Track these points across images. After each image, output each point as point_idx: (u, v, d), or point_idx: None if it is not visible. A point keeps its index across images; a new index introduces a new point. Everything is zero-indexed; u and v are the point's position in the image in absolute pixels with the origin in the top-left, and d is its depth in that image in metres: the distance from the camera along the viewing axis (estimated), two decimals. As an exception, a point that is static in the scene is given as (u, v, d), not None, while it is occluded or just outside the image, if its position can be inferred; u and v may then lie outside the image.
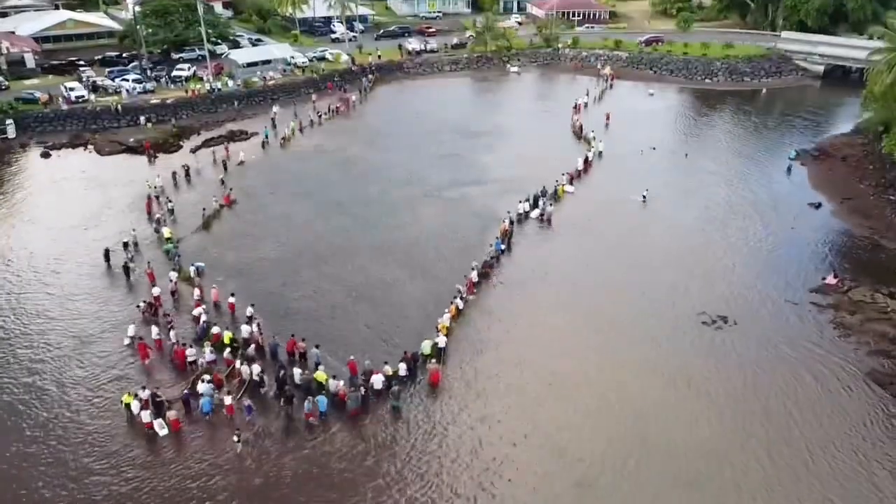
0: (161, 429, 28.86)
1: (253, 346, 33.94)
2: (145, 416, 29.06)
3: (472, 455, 28.33)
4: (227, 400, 30.00)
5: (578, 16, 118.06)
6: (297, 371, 31.71)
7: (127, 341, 34.78)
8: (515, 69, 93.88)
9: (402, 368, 31.96)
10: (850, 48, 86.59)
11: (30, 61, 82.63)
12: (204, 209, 49.09)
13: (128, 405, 29.66)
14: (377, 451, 28.46)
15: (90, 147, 63.54)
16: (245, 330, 34.57)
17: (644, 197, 51.84)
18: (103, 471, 27.28)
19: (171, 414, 29.18)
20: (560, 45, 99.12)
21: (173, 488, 26.49)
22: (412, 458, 28.19)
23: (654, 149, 62.29)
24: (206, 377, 31.17)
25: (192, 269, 40.39)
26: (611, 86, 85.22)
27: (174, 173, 55.37)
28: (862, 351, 35.19)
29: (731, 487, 26.91)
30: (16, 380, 32.52)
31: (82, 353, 34.37)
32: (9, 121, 65.26)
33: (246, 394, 31.03)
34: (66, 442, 28.78)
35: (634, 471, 27.67)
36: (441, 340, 33.85)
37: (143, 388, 30.26)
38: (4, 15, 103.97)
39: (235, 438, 28.19)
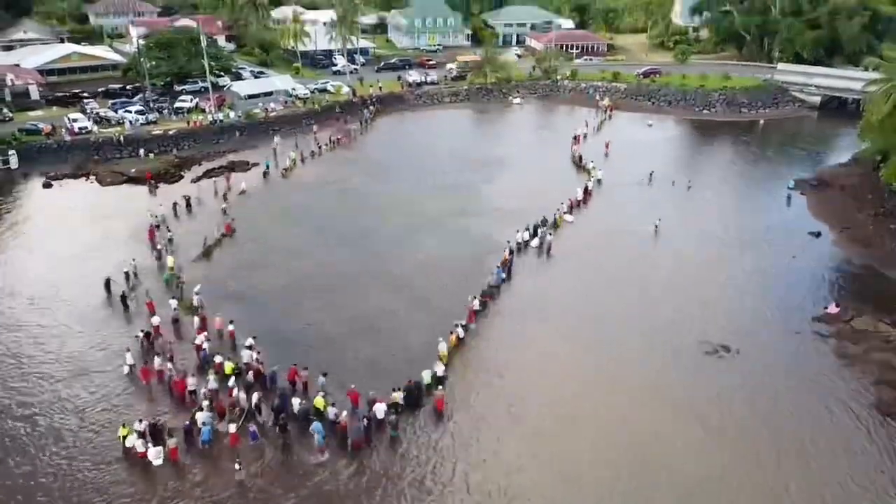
0: (156, 458, 28.37)
1: (252, 373, 33.72)
2: (139, 444, 28.67)
3: (475, 484, 27.91)
4: (231, 428, 29.73)
5: (577, 48, 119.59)
6: (295, 401, 31.39)
7: (126, 370, 34.54)
8: (518, 100, 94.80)
9: (401, 397, 31.70)
10: (846, 80, 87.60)
11: (34, 93, 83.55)
12: (205, 238, 49.11)
13: (124, 437, 29.23)
14: (378, 482, 28.05)
15: (92, 178, 63.78)
16: (246, 355, 34.47)
17: (657, 226, 51.83)
18: (98, 504, 26.86)
19: (171, 442, 28.81)
20: (559, 77, 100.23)
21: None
22: (415, 487, 27.79)
23: (650, 177, 62.50)
24: (206, 403, 30.89)
25: (195, 297, 40.27)
26: (609, 117, 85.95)
27: (175, 203, 55.48)
28: (867, 380, 34.88)
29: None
30: (9, 412, 32.13)
31: (79, 384, 34.00)
32: (11, 151, 65.66)
33: (246, 421, 30.69)
34: (57, 477, 28.25)
35: (638, 500, 27.21)
36: (440, 369, 33.68)
37: (140, 420, 29.88)
38: (10, 48, 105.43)
39: (237, 466, 27.80)
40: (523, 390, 33.86)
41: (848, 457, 29.69)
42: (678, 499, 27.39)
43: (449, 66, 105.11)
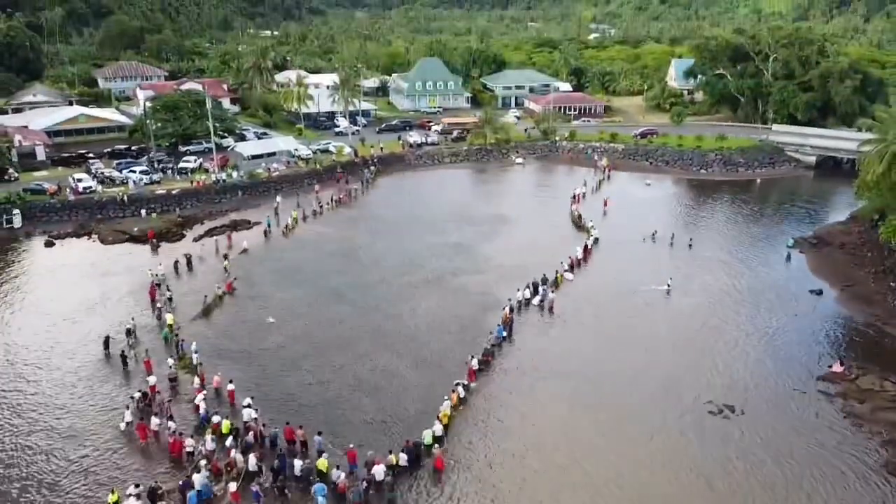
0: None
1: (252, 434, 33.25)
2: None
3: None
4: (232, 487, 29.25)
5: (575, 110, 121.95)
6: (297, 462, 30.83)
7: (123, 427, 34.24)
8: (520, 160, 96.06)
9: (403, 459, 31.11)
10: (841, 140, 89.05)
11: (40, 154, 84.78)
12: (206, 296, 49.08)
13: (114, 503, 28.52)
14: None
15: (94, 236, 64.14)
16: (246, 414, 34.16)
17: (668, 286, 51.67)
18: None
19: None
20: (557, 138, 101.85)
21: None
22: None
23: (654, 237, 62.77)
24: (203, 462, 30.36)
25: (193, 356, 40.08)
26: (608, 177, 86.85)
27: (176, 262, 55.61)
28: (875, 441, 34.26)
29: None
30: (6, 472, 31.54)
31: (74, 442, 33.48)
32: (15, 211, 66.28)
33: (244, 483, 30.05)
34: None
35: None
36: (438, 429, 33.27)
37: (137, 485, 29.28)
38: (19, 110, 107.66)
39: None
40: (524, 450, 33.23)
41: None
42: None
43: (434, 127, 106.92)
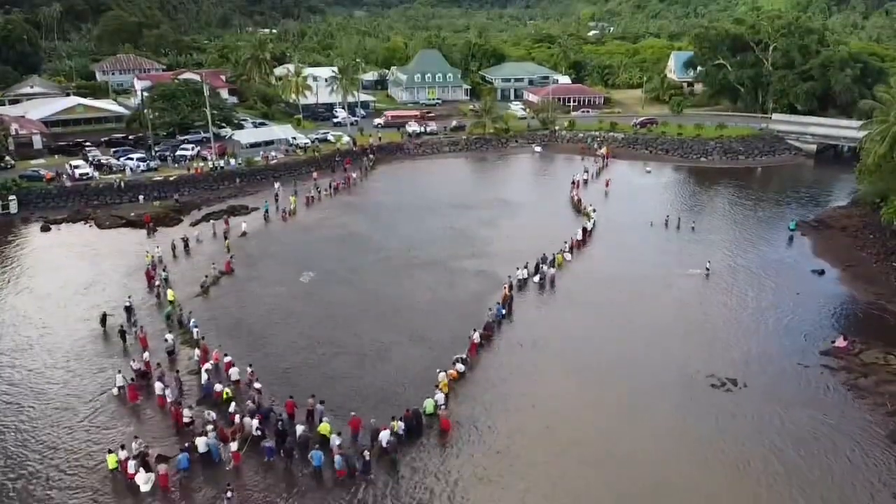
0: (145, 484, 27.42)
1: (251, 401, 33.17)
2: (130, 465, 27.99)
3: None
4: (233, 447, 29.52)
5: (574, 101, 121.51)
6: (299, 427, 30.81)
7: (115, 391, 34.41)
8: (538, 149, 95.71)
9: (401, 427, 30.91)
10: (841, 128, 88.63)
11: (37, 143, 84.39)
12: (206, 276, 48.80)
13: (114, 468, 28.32)
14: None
15: (91, 221, 63.68)
16: (235, 373, 35.14)
17: (707, 270, 50.77)
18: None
19: (162, 468, 28.02)
20: (557, 128, 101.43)
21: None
22: None
23: (666, 222, 62.43)
24: (210, 427, 30.46)
25: (194, 329, 40.15)
26: (606, 165, 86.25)
27: (173, 244, 55.20)
28: (879, 412, 33.87)
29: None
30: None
31: (69, 414, 33.24)
32: (11, 197, 65.82)
33: (251, 444, 30.33)
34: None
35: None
36: (440, 397, 33.11)
37: (122, 446, 29.27)
38: (16, 101, 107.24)
39: (228, 493, 26.92)
40: (524, 422, 32.93)
41: (865, 489, 28.47)
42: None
43: (377, 121, 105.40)
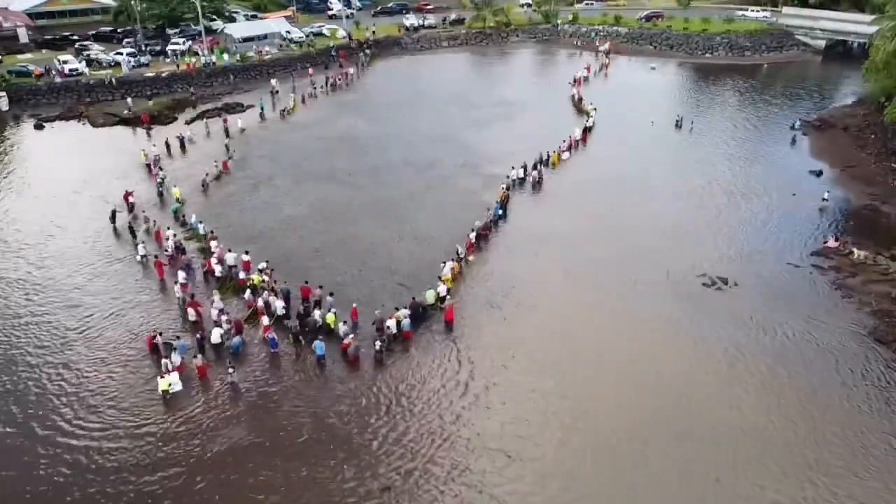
0: (176, 384, 27.94)
1: (269, 290, 34.09)
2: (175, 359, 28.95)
3: (484, 407, 28.06)
4: (265, 321, 31.15)
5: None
6: (317, 312, 31.92)
7: (139, 259, 36.86)
8: (578, 41, 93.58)
9: (405, 314, 31.77)
10: (852, 23, 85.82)
11: (23, 36, 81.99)
12: (207, 174, 48.81)
13: (165, 391, 28.06)
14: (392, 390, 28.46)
15: (84, 119, 62.89)
16: (231, 258, 36.33)
17: (826, 199, 46.31)
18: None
19: (198, 361, 28.97)
20: (559, 21, 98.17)
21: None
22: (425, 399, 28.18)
23: (680, 122, 61.48)
24: (224, 318, 31.39)
25: (199, 225, 40.83)
26: (607, 63, 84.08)
27: (167, 142, 54.76)
28: (864, 311, 34.81)
29: (731, 443, 26.59)
30: (22, 343, 32.22)
31: (85, 309, 34.14)
32: (1, 93, 64.70)
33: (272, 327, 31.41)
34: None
35: (648, 426, 27.25)
36: (442, 289, 33.94)
37: (177, 336, 30.59)
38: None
39: (230, 370, 28.31)
40: (521, 316, 33.77)
41: (846, 385, 29.73)
42: (684, 425, 27.47)
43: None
